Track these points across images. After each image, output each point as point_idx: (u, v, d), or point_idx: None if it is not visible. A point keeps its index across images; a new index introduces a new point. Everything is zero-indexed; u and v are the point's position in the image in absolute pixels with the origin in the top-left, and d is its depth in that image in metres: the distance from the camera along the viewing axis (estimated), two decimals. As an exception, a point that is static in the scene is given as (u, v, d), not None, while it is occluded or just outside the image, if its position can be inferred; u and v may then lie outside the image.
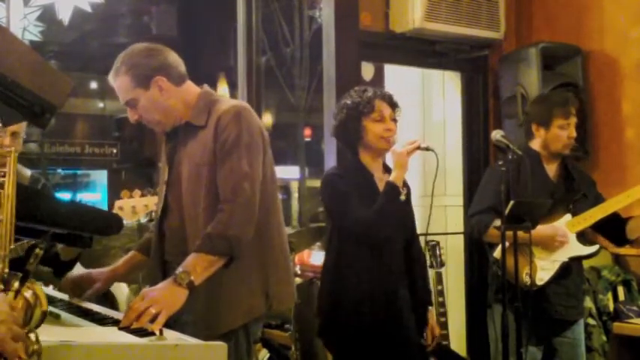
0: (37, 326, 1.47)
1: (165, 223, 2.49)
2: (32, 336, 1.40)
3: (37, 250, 1.50)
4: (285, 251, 2.50)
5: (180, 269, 2.18)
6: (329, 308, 2.98)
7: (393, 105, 2.98)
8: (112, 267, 2.58)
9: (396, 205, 2.83)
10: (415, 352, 2.96)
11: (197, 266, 2.20)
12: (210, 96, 2.51)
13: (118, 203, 3.03)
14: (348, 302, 2.89)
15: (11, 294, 1.43)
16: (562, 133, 3.31)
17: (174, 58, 2.49)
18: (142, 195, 3.07)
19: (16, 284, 1.45)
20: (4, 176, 1.49)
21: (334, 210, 2.95)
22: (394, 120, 2.97)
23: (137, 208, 3.06)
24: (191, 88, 2.52)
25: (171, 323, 2.10)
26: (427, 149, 2.88)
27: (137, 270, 2.73)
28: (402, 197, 2.84)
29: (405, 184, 2.98)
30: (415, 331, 2.97)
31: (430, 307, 3.09)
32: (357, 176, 2.93)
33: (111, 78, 2.48)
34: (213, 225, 2.26)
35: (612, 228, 3.31)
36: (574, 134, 3.34)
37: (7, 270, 1.45)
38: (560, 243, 3.23)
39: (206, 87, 2.55)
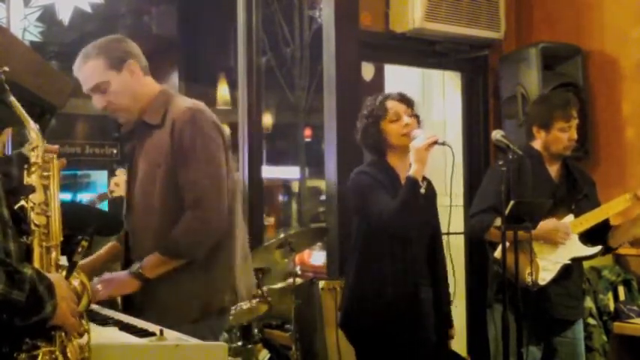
0: (85, 310, 1.65)
1: (127, 222, 2.54)
2: (82, 319, 1.61)
3: (84, 242, 1.63)
4: (245, 247, 2.57)
5: (137, 263, 2.40)
6: (351, 302, 3.03)
7: (407, 102, 3.03)
8: (94, 257, 2.63)
9: (417, 199, 2.85)
10: (432, 348, 2.98)
11: (150, 263, 2.37)
12: (167, 95, 2.53)
13: (113, 180, 3.05)
14: (369, 297, 2.93)
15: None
16: (563, 135, 3.31)
17: (140, 51, 2.55)
18: None
19: (64, 274, 1.60)
20: (48, 179, 1.68)
21: (360, 206, 2.98)
22: (413, 116, 3.01)
23: None
24: (153, 83, 2.55)
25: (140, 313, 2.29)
26: (444, 144, 2.90)
27: (117, 260, 2.76)
28: (422, 191, 2.86)
29: (429, 184, 3.02)
30: (434, 330, 2.98)
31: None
32: (382, 175, 2.96)
33: (78, 64, 2.49)
34: (175, 229, 2.36)
35: (596, 233, 3.29)
36: (575, 136, 3.33)
37: (59, 257, 1.62)
38: (563, 235, 3.21)
39: (165, 87, 2.59)
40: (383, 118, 2.98)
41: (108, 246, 2.69)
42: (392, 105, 2.99)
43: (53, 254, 1.62)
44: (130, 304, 2.48)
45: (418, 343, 2.93)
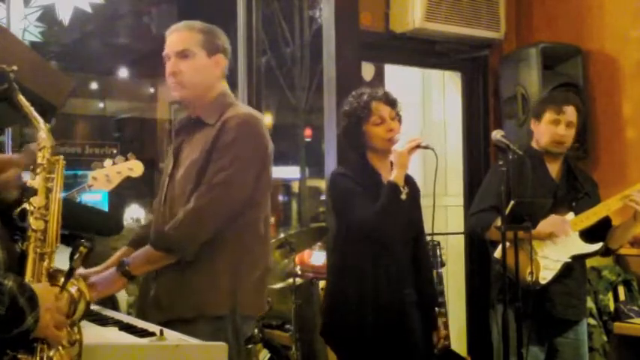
0: (81, 319, 1.62)
1: (162, 217, 2.51)
2: (75, 328, 1.58)
3: (82, 248, 1.58)
4: (265, 266, 2.52)
5: (125, 259, 2.37)
6: (332, 307, 2.99)
7: (392, 103, 2.97)
8: (105, 264, 2.60)
9: (398, 204, 2.81)
10: (419, 353, 2.95)
11: (138, 259, 2.37)
12: (228, 98, 2.54)
13: (92, 174, 3.05)
14: (351, 302, 2.88)
15: (57, 289, 1.56)
16: (551, 127, 3.29)
17: (229, 56, 2.59)
18: (114, 163, 3.09)
19: (62, 280, 1.57)
20: (52, 181, 1.64)
21: (340, 209, 2.95)
22: (396, 117, 2.97)
23: (111, 176, 3.08)
24: (223, 87, 2.56)
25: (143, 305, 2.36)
26: (427, 147, 2.87)
27: None
28: (403, 196, 2.83)
29: (413, 184, 2.98)
30: (420, 332, 2.95)
31: (437, 309, 3.09)
32: (363, 176, 2.92)
33: (177, 27, 2.51)
34: (171, 222, 2.35)
35: (597, 232, 3.29)
36: (562, 132, 3.30)
37: (53, 265, 1.59)
38: (562, 222, 3.21)
39: (227, 87, 2.58)
40: (366, 120, 2.92)
41: (120, 252, 2.64)
42: (377, 107, 2.93)
43: (46, 262, 1.58)
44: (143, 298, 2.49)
45: (403, 347, 2.89)
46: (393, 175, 2.83)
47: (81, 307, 1.60)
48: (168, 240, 2.35)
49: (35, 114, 1.67)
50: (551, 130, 3.29)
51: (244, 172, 2.39)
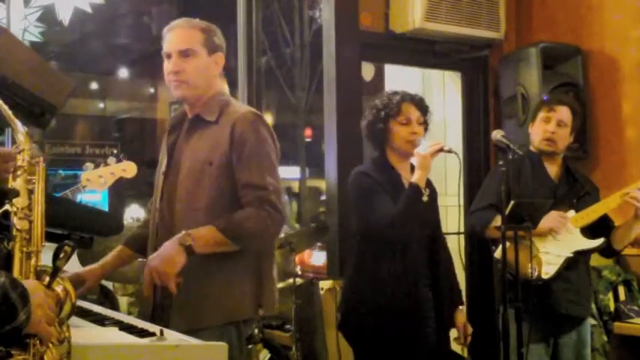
0: (68, 318, 1.61)
1: (160, 214, 2.49)
2: (63, 326, 1.58)
3: (67, 248, 1.57)
4: (274, 261, 2.55)
5: (185, 233, 2.27)
6: (348, 305, 3.02)
7: (423, 108, 3.04)
8: (101, 263, 2.59)
9: (418, 205, 2.86)
10: (432, 351, 2.96)
11: (203, 235, 2.28)
12: (223, 95, 2.55)
13: (84, 175, 3.06)
14: (367, 299, 2.91)
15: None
16: (542, 125, 3.31)
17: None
18: (106, 164, 3.09)
19: (47, 279, 1.57)
20: (34, 183, 1.64)
21: (359, 208, 2.98)
22: (423, 123, 3.03)
23: (104, 177, 3.08)
24: (220, 84, 2.58)
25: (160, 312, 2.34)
26: (450, 151, 2.91)
27: (126, 264, 2.74)
28: (425, 198, 2.87)
29: (431, 186, 3.01)
30: (435, 331, 2.97)
31: (460, 307, 3.13)
32: (384, 175, 2.96)
33: (178, 24, 2.51)
34: (239, 213, 2.32)
35: (600, 230, 3.29)
36: (552, 129, 3.30)
37: (39, 264, 1.59)
38: (561, 218, 3.20)
39: (224, 85, 2.62)
40: (393, 117, 2.98)
41: (115, 251, 2.63)
42: (407, 108, 3.00)
43: (33, 260, 1.58)
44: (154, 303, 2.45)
45: (417, 344, 2.91)
46: (415, 177, 2.88)
47: (67, 306, 1.60)
48: (239, 229, 2.31)
49: (12, 116, 1.68)
50: (542, 127, 3.31)
51: (277, 170, 2.44)
